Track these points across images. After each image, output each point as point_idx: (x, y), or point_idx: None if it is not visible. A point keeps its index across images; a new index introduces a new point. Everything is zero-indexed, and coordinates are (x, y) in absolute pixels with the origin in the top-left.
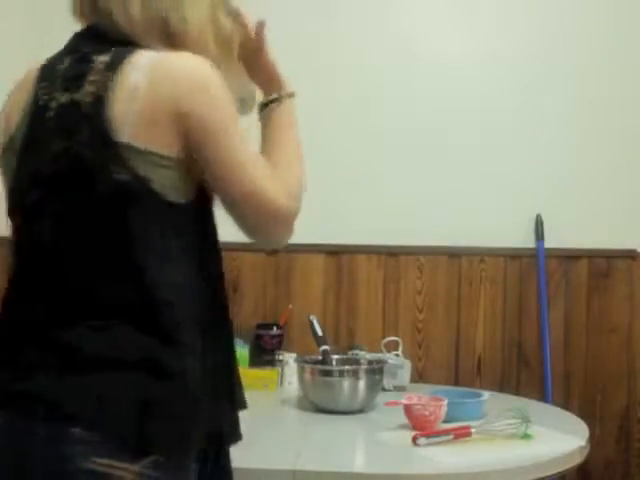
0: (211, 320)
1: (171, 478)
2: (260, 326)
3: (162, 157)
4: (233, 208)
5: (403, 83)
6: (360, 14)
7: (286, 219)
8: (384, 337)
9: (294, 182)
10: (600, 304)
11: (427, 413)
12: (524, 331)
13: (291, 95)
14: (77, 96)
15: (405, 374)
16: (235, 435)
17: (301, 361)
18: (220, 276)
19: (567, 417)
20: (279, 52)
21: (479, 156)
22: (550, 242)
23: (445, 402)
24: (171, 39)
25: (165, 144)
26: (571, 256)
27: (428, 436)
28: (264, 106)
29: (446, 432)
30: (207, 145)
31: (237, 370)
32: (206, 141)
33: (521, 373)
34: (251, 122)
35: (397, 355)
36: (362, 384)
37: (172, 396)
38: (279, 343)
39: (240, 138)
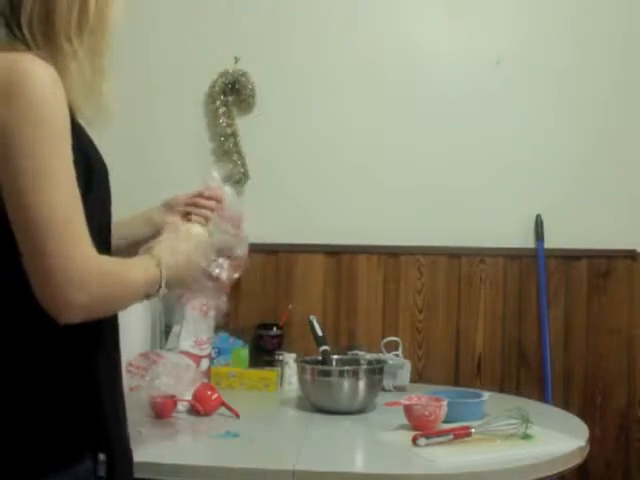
0: None
1: None
2: (260, 326)
3: None
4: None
5: (403, 83)
6: (361, 14)
7: (62, 302)
8: (384, 337)
9: (107, 278)
10: (600, 304)
11: (427, 413)
12: (524, 331)
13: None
14: None
15: (405, 374)
16: None
17: (301, 361)
18: None
19: (567, 417)
20: (279, 51)
21: (479, 156)
22: (550, 242)
23: (445, 402)
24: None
25: None
26: (571, 256)
27: (428, 436)
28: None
29: (446, 432)
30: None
31: None
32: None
33: (521, 373)
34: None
35: (397, 355)
36: (362, 384)
37: None
38: (279, 343)
39: (57, 181)
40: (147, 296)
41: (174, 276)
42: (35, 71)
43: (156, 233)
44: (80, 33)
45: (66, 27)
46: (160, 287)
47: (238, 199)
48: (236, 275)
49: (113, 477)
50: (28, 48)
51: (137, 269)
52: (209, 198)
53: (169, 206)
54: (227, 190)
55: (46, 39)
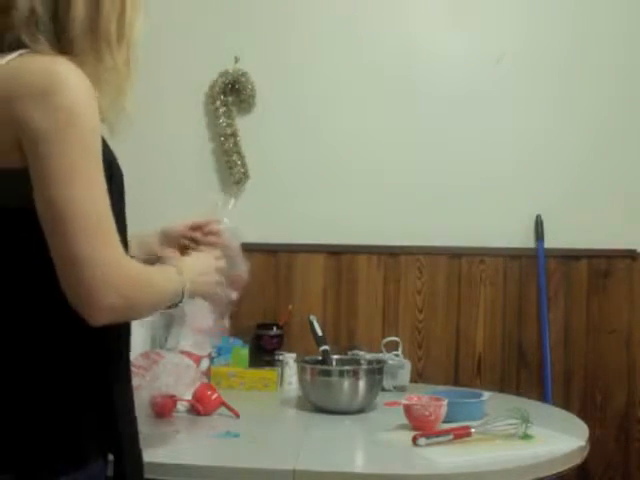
0: None
1: None
2: (260, 326)
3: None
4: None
5: (404, 82)
6: (361, 13)
7: (95, 304)
8: (384, 337)
9: (137, 281)
10: (600, 304)
11: (427, 413)
12: (524, 331)
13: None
14: None
15: (405, 374)
16: None
17: (301, 361)
18: None
19: (567, 417)
20: (279, 51)
21: (479, 156)
22: (550, 242)
23: (445, 402)
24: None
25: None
26: (571, 256)
27: (428, 436)
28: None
29: (446, 432)
30: (33, 167)
31: None
32: (34, 162)
33: (521, 373)
34: None
35: (397, 355)
36: (362, 384)
37: None
38: (279, 343)
39: (89, 180)
40: (169, 306)
41: (195, 290)
42: (70, 73)
43: (148, 260)
44: (119, 41)
45: (107, 35)
46: (182, 298)
47: (237, 232)
48: (235, 296)
49: (124, 477)
50: (69, 55)
51: (162, 276)
52: (208, 233)
53: (166, 236)
54: (225, 222)
55: (89, 47)
